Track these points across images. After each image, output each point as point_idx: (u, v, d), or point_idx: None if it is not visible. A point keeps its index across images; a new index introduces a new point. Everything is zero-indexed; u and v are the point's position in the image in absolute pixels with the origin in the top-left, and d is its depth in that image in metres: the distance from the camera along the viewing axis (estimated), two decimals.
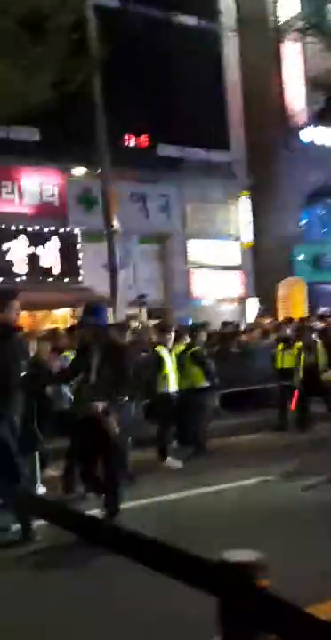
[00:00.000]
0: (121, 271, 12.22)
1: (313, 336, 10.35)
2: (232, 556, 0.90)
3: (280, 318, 15.68)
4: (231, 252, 19.23)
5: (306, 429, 9.76)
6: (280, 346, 10.81)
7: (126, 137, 17.19)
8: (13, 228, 15.15)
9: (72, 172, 16.12)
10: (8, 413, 5.06)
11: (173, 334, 8.95)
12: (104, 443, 5.26)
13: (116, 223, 12.67)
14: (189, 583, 0.91)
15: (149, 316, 16.23)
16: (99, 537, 1.22)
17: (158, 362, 8.28)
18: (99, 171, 12.79)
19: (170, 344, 8.63)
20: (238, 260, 19.40)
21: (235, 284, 19.26)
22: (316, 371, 9.95)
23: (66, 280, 15.73)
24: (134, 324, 12.66)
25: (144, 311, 16.47)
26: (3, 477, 5.00)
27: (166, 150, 18.05)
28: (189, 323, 14.83)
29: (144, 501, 6.17)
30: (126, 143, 17.25)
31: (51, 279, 15.51)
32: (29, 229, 15.33)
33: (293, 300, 17.13)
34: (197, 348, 9.01)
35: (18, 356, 5.25)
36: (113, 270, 12.27)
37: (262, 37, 16.96)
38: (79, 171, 16.09)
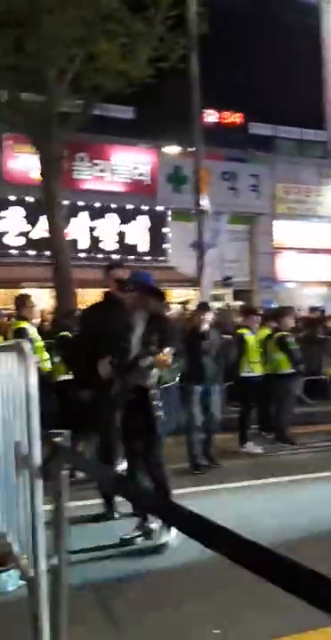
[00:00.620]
0: (209, 251, 12.09)
1: None
2: None
3: None
4: (322, 235, 18.64)
5: None
6: None
7: (215, 113, 16.98)
8: (105, 205, 15.42)
9: (164, 151, 16.14)
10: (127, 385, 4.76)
11: (258, 317, 8.83)
12: (146, 423, 4.60)
13: (205, 202, 12.55)
14: (306, 600, 0.88)
15: (235, 298, 16.10)
16: (208, 538, 1.19)
17: (242, 345, 8.19)
18: (192, 149, 12.70)
19: (255, 327, 8.51)
20: (329, 243, 18.79)
21: (324, 267, 18.68)
22: None
23: (152, 258, 15.88)
24: (218, 304, 12.57)
25: (230, 292, 16.35)
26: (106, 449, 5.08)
27: (258, 128, 17.68)
28: (273, 306, 14.58)
29: (219, 486, 6.13)
30: (217, 120, 17.04)
31: (138, 257, 15.71)
32: (120, 207, 15.55)
33: None
34: (283, 332, 8.82)
35: (129, 324, 4.77)
36: (201, 250, 12.18)
37: None
38: (171, 149, 16.08)
